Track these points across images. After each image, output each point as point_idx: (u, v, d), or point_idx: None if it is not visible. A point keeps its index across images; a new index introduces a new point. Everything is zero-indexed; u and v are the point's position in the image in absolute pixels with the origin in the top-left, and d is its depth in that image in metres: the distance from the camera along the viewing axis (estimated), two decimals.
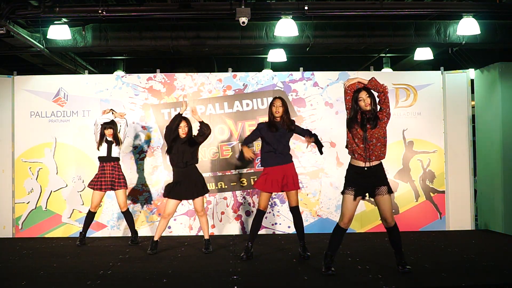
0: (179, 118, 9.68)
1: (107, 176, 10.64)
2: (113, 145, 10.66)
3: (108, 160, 10.67)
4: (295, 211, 9.26)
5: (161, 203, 11.84)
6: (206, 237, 9.97)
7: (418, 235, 11.51)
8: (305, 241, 9.30)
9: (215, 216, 11.96)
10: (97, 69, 16.77)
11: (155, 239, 9.86)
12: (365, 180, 7.93)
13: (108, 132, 10.61)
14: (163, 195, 9.94)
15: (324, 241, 10.44)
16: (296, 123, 9.39)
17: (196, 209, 9.89)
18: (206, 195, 11.36)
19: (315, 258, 9.05)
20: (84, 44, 12.05)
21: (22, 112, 11.98)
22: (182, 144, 9.65)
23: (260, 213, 9.20)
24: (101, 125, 10.62)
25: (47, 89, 12.03)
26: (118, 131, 10.73)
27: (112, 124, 10.67)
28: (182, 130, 9.63)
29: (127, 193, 11.01)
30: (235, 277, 7.91)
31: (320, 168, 12.02)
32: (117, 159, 10.74)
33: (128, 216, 10.85)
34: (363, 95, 7.93)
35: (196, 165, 9.86)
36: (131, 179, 11.87)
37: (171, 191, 9.68)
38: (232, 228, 11.97)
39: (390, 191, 7.98)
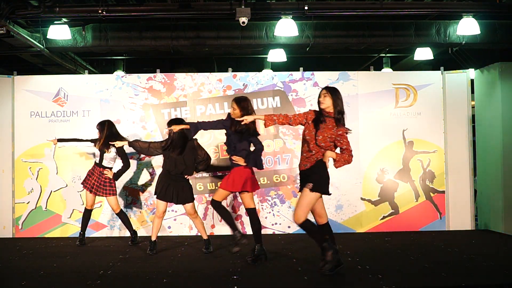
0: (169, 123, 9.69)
1: (95, 179, 10.64)
2: (105, 154, 10.65)
3: (99, 166, 10.69)
4: (250, 213, 9.18)
5: None
6: (205, 237, 9.97)
7: (418, 235, 11.52)
8: (263, 242, 9.19)
9: (215, 216, 11.95)
10: (97, 69, 16.78)
11: (153, 239, 9.85)
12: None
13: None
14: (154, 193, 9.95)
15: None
16: (254, 127, 9.12)
17: (188, 212, 9.88)
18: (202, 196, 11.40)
19: (315, 258, 9.04)
20: (84, 44, 12.06)
21: (22, 112, 11.97)
22: (174, 152, 9.67)
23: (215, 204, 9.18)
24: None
25: (47, 89, 12.03)
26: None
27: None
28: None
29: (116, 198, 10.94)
30: (235, 277, 7.91)
31: None
32: (107, 167, 10.74)
33: (122, 216, 10.85)
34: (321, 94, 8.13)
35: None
36: (132, 179, 11.89)
37: (160, 192, 9.68)
38: None
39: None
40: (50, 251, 10.23)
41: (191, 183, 10.00)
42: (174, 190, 9.62)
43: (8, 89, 11.99)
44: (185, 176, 9.72)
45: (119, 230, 11.87)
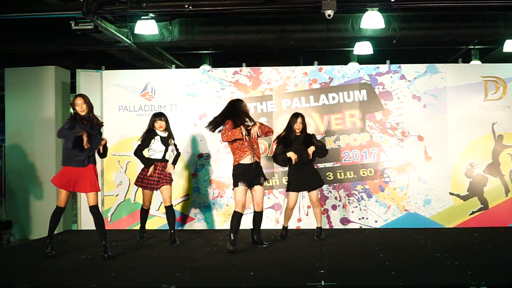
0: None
1: (157, 174, 10.35)
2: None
3: (163, 161, 10.44)
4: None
5: None
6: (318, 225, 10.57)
7: (508, 231, 11.26)
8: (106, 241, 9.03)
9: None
10: (183, 63, 16.94)
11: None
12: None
13: (158, 124, 10.38)
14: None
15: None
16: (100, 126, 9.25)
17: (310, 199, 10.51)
18: None
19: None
20: (171, 39, 12.21)
21: (110, 106, 12.21)
22: (300, 143, 10.30)
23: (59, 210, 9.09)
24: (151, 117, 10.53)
25: (135, 84, 12.24)
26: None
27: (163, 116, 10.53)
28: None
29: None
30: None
31: (408, 162, 11.85)
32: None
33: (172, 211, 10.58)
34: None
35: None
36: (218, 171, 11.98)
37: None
38: None
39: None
40: (144, 242, 10.46)
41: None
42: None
43: (97, 84, 12.24)
44: None
45: (206, 223, 11.94)
